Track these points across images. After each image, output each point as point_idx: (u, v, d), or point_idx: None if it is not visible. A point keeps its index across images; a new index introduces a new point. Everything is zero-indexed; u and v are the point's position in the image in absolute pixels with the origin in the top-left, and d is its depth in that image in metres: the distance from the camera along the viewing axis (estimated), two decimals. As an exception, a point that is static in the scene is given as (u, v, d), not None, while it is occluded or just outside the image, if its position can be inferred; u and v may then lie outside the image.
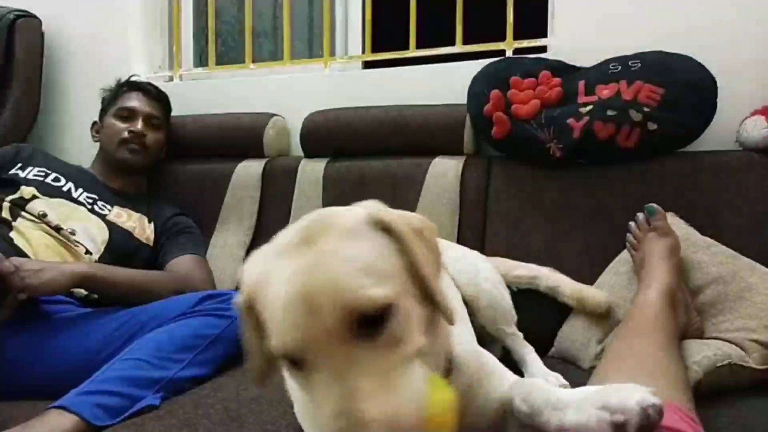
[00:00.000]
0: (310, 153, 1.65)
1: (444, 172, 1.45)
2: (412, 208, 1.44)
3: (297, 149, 1.71)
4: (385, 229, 0.57)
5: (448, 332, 0.68)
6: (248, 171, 1.66)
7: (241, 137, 1.72)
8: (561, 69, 1.41)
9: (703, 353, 0.97)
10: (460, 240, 1.40)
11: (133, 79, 1.70)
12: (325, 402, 0.50)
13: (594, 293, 1.20)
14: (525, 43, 1.60)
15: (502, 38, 1.61)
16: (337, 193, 1.56)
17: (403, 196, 1.46)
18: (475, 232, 1.41)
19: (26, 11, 1.96)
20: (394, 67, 1.72)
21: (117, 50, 1.98)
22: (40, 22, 1.98)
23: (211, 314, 1.14)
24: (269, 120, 1.69)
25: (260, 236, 1.62)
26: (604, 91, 1.31)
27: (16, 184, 1.41)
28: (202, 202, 1.67)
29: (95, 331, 1.17)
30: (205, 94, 1.88)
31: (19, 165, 1.46)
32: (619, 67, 1.33)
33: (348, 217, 0.58)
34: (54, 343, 1.15)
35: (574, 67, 1.42)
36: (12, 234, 1.32)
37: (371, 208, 0.60)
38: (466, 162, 1.46)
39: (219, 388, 1.05)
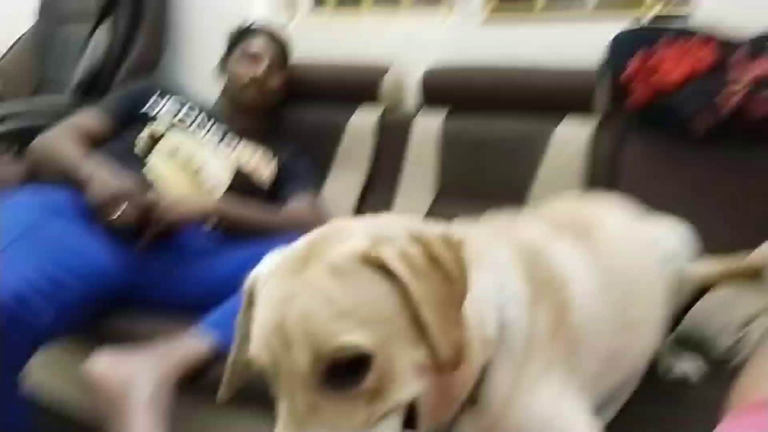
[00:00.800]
0: (429, 106, 1.63)
1: (570, 139, 1.40)
2: (530, 176, 1.41)
3: (412, 102, 1.70)
4: (381, 266, 0.52)
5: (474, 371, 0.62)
6: (363, 122, 1.68)
7: (357, 85, 1.72)
8: (713, 38, 1.31)
9: None
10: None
11: (256, 22, 1.73)
12: None
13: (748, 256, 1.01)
14: (665, 11, 1.50)
15: (637, 4, 1.51)
16: (452, 156, 1.53)
17: (522, 162, 1.42)
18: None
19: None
20: (516, 26, 1.66)
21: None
22: (169, -40, 2.04)
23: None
24: (386, 69, 1.68)
25: (371, 190, 1.64)
26: (761, 68, 1.21)
27: (150, 119, 1.48)
28: (317, 150, 1.69)
29: (225, 262, 1.24)
30: (321, 39, 1.89)
31: (153, 100, 1.53)
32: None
33: (341, 251, 0.53)
34: (187, 271, 1.24)
35: (727, 37, 1.31)
36: (144, 170, 1.40)
37: (378, 236, 0.54)
38: (596, 129, 1.40)
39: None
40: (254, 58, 1.64)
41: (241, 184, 1.49)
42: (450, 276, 0.55)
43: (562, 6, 1.61)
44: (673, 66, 1.28)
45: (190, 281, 1.22)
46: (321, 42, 1.87)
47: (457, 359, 0.54)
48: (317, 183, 1.63)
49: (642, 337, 0.85)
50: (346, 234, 0.56)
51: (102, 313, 1.16)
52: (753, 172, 1.24)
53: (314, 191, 1.57)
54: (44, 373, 1.19)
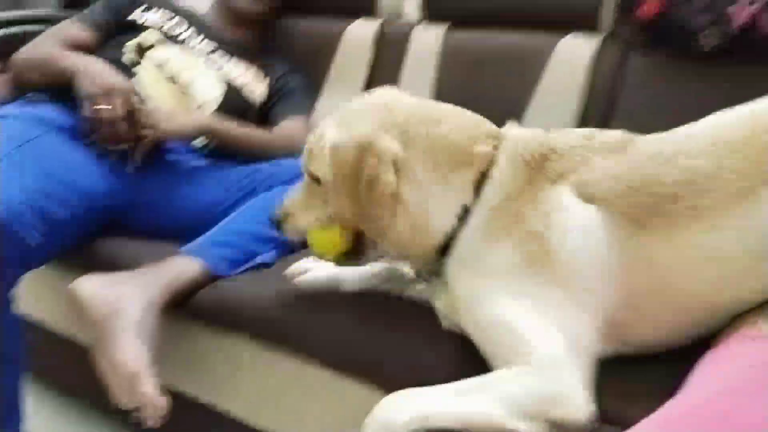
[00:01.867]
0: (429, 19, 1.55)
1: (572, 55, 1.32)
2: (530, 92, 1.34)
3: (412, 13, 1.61)
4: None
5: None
6: (360, 32, 1.60)
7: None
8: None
9: None
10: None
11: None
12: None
13: None
14: None
15: None
16: (451, 72, 1.47)
17: (523, 78, 1.36)
18: (596, 126, 1.31)
19: None
20: None
21: None
22: None
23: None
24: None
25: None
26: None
27: (137, 28, 1.42)
28: (313, 61, 1.62)
29: (215, 184, 1.23)
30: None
31: (143, 7, 1.45)
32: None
33: (318, 138, 0.85)
34: (177, 192, 1.23)
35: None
36: (133, 80, 1.35)
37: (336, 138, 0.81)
38: (600, 45, 1.32)
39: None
40: None
41: (233, 101, 1.44)
42: (368, 178, 0.77)
43: None
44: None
45: (181, 203, 1.22)
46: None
47: (341, 222, 0.85)
48: (312, 101, 1.58)
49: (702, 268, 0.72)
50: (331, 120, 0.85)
51: (91, 236, 1.17)
52: (762, 92, 1.17)
53: (308, 111, 1.52)
54: (34, 295, 1.22)
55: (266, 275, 1.03)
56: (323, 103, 1.61)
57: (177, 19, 1.47)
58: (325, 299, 0.96)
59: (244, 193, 1.20)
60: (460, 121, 0.83)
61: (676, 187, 0.72)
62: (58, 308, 1.25)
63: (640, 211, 0.72)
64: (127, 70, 1.35)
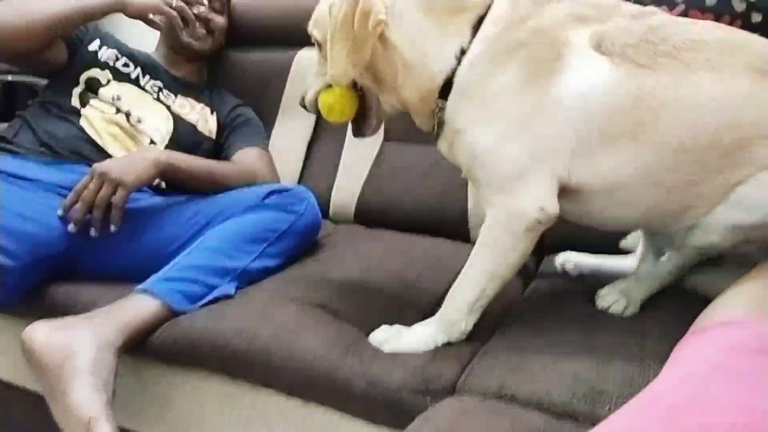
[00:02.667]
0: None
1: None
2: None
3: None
4: None
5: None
6: (310, 59, 1.61)
7: (302, 23, 1.64)
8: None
9: None
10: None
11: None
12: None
13: None
14: None
15: None
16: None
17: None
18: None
19: None
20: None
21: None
22: None
23: (280, 208, 1.16)
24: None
25: (322, 128, 1.60)
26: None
27: (91, 63, 1.41)
28: (263, 93, 1.64)
29: (169, 221, 1.21)
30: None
31: (98, 42, 1.45)
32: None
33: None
34: (131, 232, 1.20)
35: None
36: (81, 122, 1.34)
37: None
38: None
39: (291, 281, 1.09)
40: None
41: (184, 136, 1.44)
42: (355, 32, 0.84)
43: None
44: None
45: (135, 242, 1.19)
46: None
47: (334, 79, 0.89)
48: (263, 131, 1.58)
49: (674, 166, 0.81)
50: None
51: (43, 282, 1.13)
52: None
53: (260, 142, 1.52)
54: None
55: (226, 307, 1.01)
56: (277, 132, 1.61)
57: (124, 59, 1.46)
58: (286, 326, 0.94)
59: (200, 226, 1.19)
60: None
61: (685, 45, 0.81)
62: (11, 358, 1.20)
63: (648, 57, 0.81)
64: (76, 112, 1.34)
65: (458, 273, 0.91)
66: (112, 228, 1.13)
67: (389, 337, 0.90)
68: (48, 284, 1.13)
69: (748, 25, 1.14)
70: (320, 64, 0.96)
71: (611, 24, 0.85)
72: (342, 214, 1.50)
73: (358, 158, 1.52)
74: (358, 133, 1.00)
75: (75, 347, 0.92)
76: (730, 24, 1.14)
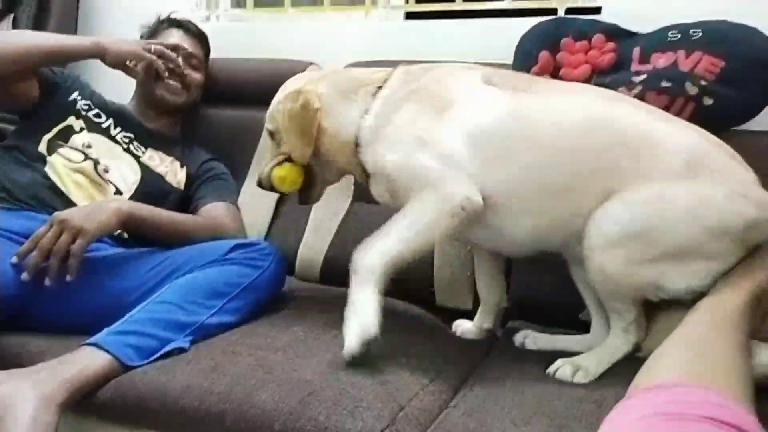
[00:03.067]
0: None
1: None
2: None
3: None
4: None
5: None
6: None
7: (277, 84, 1.67)
8: (616, 33, 1.33)
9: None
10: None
11: (173, 16, 1.66)
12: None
13: None
14: (579, 2, 1.52)
15: (554, -4, 1.54)
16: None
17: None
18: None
19: (65, -60, 1.92)
20: (438, 19, 1.66)
21: (155, -15, 1.93)
22: (78, -48, 1.94)
23: (243, 263, 1.14)
24: (306, 68, 1.64)
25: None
26: (660, 60, 1.24)
27: (70, 111, 1.41)
28: (235, 149, 1.64)
29: (128, 272, 1.18)
30: (241, 36, 1.84)
31: (77, 93, 1.46)
32: (679, 35, 1.26)
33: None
34: (88, 281, 1.16)
35: (630, 32, 1.34)
36: (47, 169, 1.33)
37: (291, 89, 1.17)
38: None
39: (247, 335, 1.06)
40: (173, 49, 1.57)
41: (151, 187, 1.43)
42: (302, 120, 1.10)
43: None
44: (577, 61, 1.30)
45: (90, 293, 1.16)
46: (240, 39, 1.82)
47: (300, 157, 1.13)
48: (234, 187, 1.58)
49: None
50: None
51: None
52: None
53: (229, 197, 1.51)
54: None
55: (178, 362, 0.98)
56: (247, 187, 1.62)
57: (96, 109, 1.47)
58: (240, 380, 0.91)
59: (161, 278, 1.16)
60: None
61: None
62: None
63: (527, 85, 1.05)
64: (43, 159, 1.33)
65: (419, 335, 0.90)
66: (68, 278, 1.10)
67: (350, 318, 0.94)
68: (-6, 333, 1.09)
69: (700, 108, 1.20)
70: (272, 148, 1.20)
71: (499, 72, 1.09)
72: (308, 271, 1.49)
73: (327, 216, 1.53)
74: (304, 200, 1.22)
75: (14, 400, 0.87)
76: (684, 106, 1.21)
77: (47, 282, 1.09)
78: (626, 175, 0.95)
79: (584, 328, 1.16)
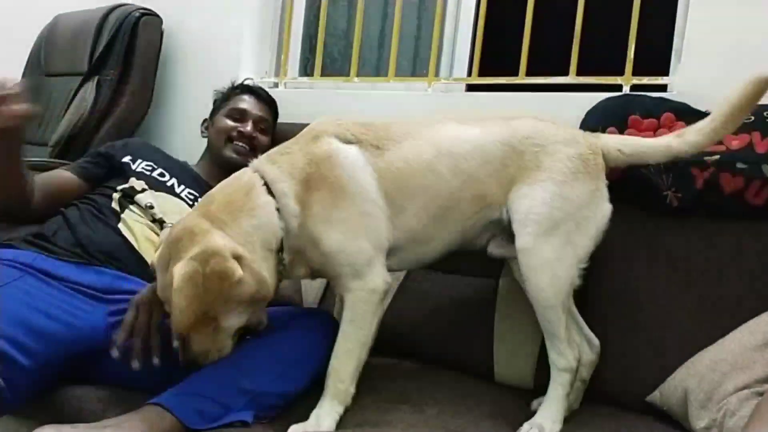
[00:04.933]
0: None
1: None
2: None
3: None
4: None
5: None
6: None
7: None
8: (686, 112, 1.32)
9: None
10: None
11: (246, 82, 1.75)
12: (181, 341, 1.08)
13: None
14: (645, 80, 1.53)
15: (620, 72, 1.55)
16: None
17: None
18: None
19: (150, 10, 2.07)
20: (499, 92, 1.69)
21: (228, 52, 2.05)
22: (161, 20, 2.08)
23: (306, 330, 1.14)
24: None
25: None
26: (734, 142, 1.22)
27: (126, 175, 1.48)
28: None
29: None
30: (307, 103, 1.91)
31: (129, 157, 1.53)
32: (752, 117, 1.24)
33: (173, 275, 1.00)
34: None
35: (699, 111, 1.33)
36: (120, 225, 1.37)
37: (190, 257, 1.01)
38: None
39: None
40: (243, 113, 1.64)
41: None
42: (211, 292, 1.00)
43: (545, 73, 1.64)
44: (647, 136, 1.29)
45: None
46: (307, 106, 1.88)
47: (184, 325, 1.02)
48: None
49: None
50: (186, 250, 1.02)
51: (55, 383, 1.11)
52: (723, 249, 1.24)
53: None
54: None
55: (242, 428, 0.97)
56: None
57: (160, 169, 1.53)
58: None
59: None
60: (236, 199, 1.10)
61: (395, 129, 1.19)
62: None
63: (378, 141, 1.14)
64: (117, 215, 1.38)
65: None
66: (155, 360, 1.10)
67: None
68: (59, 387, 1.11)
69: (776, 190, 1.17)
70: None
71: (342, 126, 1.16)
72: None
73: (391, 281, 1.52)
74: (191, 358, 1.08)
75: (81, 460, 0.88)
76: (760, 188, 1.18)
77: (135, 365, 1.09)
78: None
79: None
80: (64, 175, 1.48)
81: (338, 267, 1.09)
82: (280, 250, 1.09)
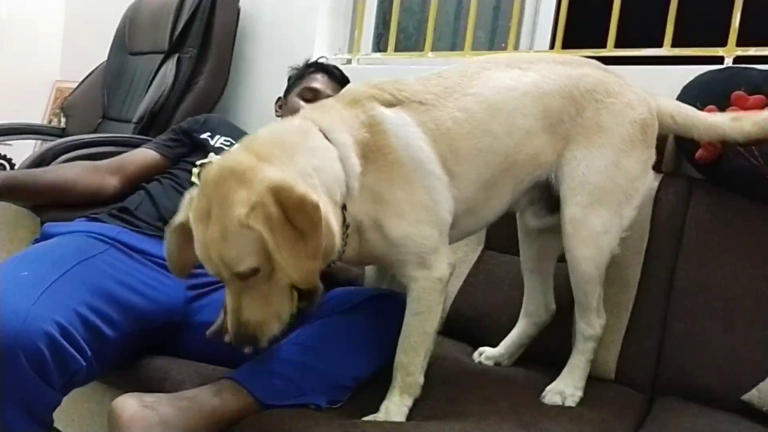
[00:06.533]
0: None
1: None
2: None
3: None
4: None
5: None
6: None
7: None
8: (801, 87, 1.20)
9: None
10: (644, 273, 1.25)
11: (320, 60, 1.73)
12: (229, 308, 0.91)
13: None
14: (751, 51, 1.38)
15: (722, 43, 1.41)
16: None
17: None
18: (662, 265, 1.25)
19: (227, -12, 2.09)
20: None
21: (303, 30, 2.04)
22: None
23: (380, 313, 1.12)
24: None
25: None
26: None
27: (206, 149, 1.50)
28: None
29: None
30: (380, 79, 1.87)
31: (208, 133, 1.55)
32: None
33: (229, 217, 0.84)
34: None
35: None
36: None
37: (253, 201, 0.83)
38: (663, 181, 1.30)
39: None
40: (316, 93, 1.63)
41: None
42: (303, 231, 0.83)
43: (636, 44, 1.53)
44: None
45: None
46: (380, 82, 1.85)
47: (307, 281, 0.87)
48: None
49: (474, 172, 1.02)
50: (236, 190, 0.84)
51: (138, 355, 1.15)
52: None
53: None
54: (72, 411, 1.18)
55: (315, 411, 0.98)
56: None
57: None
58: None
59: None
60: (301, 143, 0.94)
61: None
62: (95, 426, 1.20)
63: (420, 97, 1.00)
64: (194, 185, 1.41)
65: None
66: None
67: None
68: (142, 357, 1.15)
69: None
70: (254, 295, 0.89)
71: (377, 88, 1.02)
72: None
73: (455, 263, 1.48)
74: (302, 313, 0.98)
75: (160, 427, 0.90)
76: None
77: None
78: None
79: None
80: (145, 153, 1.53)
81: (403, 255, 0.99)
82: (344, 208, 0.94)
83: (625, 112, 1.04)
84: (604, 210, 1.03)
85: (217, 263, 0.87)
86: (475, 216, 1.07)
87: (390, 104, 0.99)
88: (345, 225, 0.95)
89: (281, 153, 0.89)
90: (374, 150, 0.95)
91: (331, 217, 0.87)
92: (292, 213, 0.82)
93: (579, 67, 1.09)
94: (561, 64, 1.09)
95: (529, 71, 1.05)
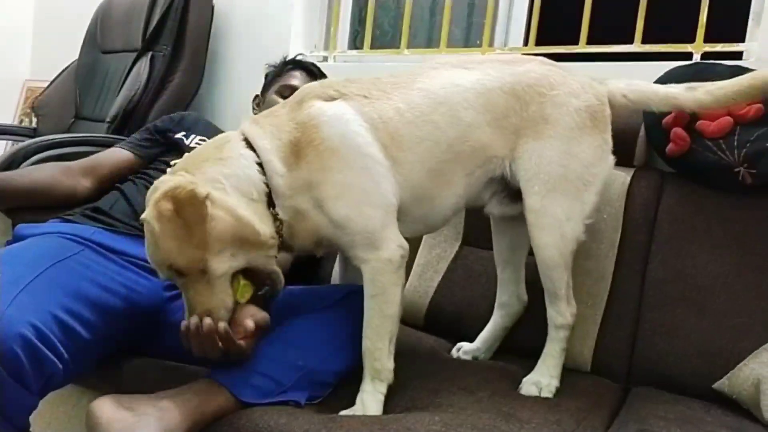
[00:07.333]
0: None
1: (609, 183, 1.33)
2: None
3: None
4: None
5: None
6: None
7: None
8: (764, 81, 1.23)
9: None
10: (618, 265, 1.27)
11: (298, 57, 1.73)
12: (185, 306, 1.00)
13: None
14: (718, 47, 1.42)
15: (690, 40, 1.44)
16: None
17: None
18: (635, 256, 1.28)
19: (199, -15, 2.07)
20: (558, 62, 1.61)
21: (278, 27, 2.03)
22: (212, -4, 2.09)
23: (362, 309, 1.12)
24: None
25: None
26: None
27: (180, 150, 1.49)
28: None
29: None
30: (357, 76, 1.87)
31: (183, 132, 1.54)
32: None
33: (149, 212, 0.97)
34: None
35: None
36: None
37: (155, 197, 0.97)
38: (634, 175, 1.33)
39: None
40: (293, 90, 1.62)
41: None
42: (190, 223, 0.94)
43: (607, 41, 1.56)
44: (718, 113, 1.20)
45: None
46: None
47: (193, 266, 0.96)
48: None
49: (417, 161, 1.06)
50: (150, 198, 1.00)
51: (115, 356, 1.14)
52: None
53: None
54: (49, 415, 1.17)
55: (296, 408, 0.98)
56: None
57: None
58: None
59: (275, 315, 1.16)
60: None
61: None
62: (72, 430, 1.19)
63: (365, 92, 1.06)
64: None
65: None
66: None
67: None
68: (119, 358, 1.13)
69: None
70: (196, 289, 0.98)
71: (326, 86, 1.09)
72: (413, 315, 1.46)
73: (434, 259, 1.50)
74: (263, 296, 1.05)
75: (139, 428, 0.89)
76: None
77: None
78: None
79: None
80: (119, 153, 1.51)
81: (349, 236, 1.02)
82: (272, 205, 1.02)
83: (569, 101, 1.07)
84: (563, 197, 1.06)
85: (154, 266, 1.01)
86: (428, 204, 1.10)
87: (332, 99, 1.05)
88: (277, 218, 1.02)
89: (192, 166, 1.02)
90: (305, 145, 1.02)
91: (241, 211, 0.98)
92: (182, 207, 0.94)
93: (522, 64, 1.13)
94: (506, 63, 1.13)
95: (474, 70, 1.11)
